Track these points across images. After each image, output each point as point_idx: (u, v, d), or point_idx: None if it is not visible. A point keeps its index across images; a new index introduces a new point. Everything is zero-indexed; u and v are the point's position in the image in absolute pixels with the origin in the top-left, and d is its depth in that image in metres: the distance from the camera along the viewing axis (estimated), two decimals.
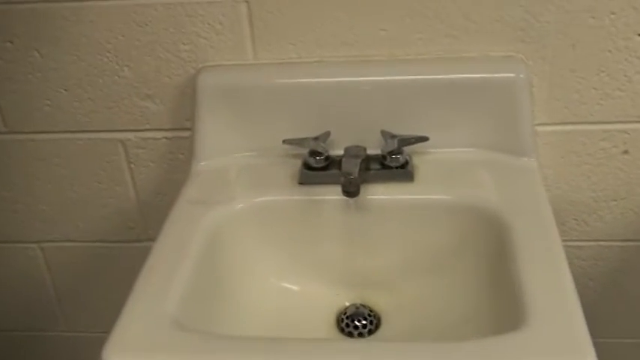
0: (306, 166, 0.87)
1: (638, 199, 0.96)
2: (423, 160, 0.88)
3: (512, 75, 0.86)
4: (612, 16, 0.83)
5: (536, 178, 0.86)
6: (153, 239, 0.80)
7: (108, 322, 0.69)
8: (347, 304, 0.87)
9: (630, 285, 1.04)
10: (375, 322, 0.85)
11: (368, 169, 0.86)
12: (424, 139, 0.85)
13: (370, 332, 0.84)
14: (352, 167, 0.79)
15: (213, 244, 0.80)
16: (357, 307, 0.86)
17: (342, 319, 0.85)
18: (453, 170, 0.87)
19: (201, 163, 0.91)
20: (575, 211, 0.98)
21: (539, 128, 0.90)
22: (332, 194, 0.84)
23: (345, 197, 0.81)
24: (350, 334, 0.84)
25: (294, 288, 0.87)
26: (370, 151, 0.86)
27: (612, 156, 0.93)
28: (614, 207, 0.97)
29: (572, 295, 0.68)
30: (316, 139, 0.86)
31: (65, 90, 0.95)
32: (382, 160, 0.86)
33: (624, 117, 0.90)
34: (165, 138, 0.96)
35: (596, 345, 0.62)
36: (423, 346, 0.66)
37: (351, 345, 0.67)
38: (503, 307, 0.73)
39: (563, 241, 0.78)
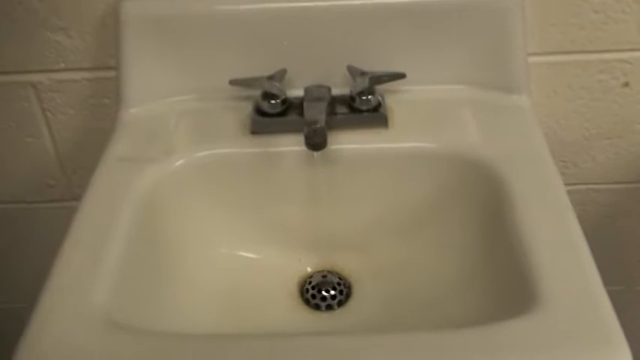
0: (259, 112, 0.74)
1: (635, 137, 0.86)
2: (398, 100, 0.76)
3: None
4: None
5: (530, 117, 0.75)
6: (79, 198, 0.68)
7: (34, 292, 0.59)
8: (309, 270, 0.76)
9: (619, 231, 0.96)
10: (345, 291, 0.74)
11: (334, 113, 0.73)
12: (400, 75, 0.73)
13: (340, 303, 0.73)
14: (317, 114, 0.66)
15: (149, 211, 0.67)
16: (325, 275, 0.75)
17: (307, 289, 0.74)
18: (433, 112, 0.75)
19: (131, 110, 0.77)
20: (565, 152, 0.88)
21: (530, 59, 0.78)
22: (291, 144, 0.72)
23: (308, 149, 0.67)
24: (317, 307, 0.73)
25: (250, 256, 0.75)
26: (335, 92, 0.73)
27: (610, 89, 0.82)
28: (607, 146, 0.87)
29: (587, 258, 0.59)
30: (270, 78, 0.73)
31: None
32: (350, 103, 0.74)
33: (627, 44, 0.78)
34: (86, 79, 0.82)
35: None
36: (413, 338, 0.53)
37: (324, 342, 0.54)
38: (501, 273, 0.63)
39: None
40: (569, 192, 0.89)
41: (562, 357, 0.51)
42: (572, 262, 0.58)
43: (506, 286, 0.61)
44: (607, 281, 0.97)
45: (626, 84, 0.81)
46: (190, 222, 0.72)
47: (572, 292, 0.55)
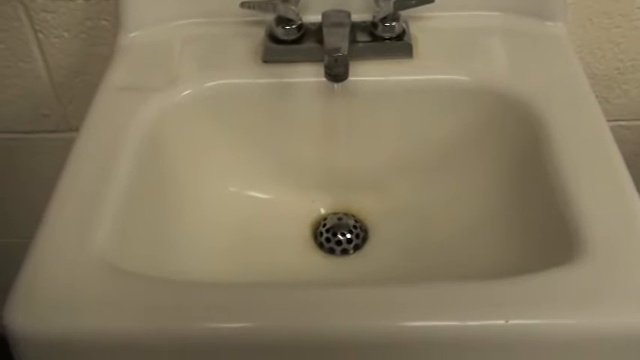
0: (273, 39, 0.69)
1: None
2: (423, 28, 0.71)
3: None
4: None
5: (567, 46, 0.70)
6: (76, 129, 0.64)
7: (27, 228, 0.57)
8: (323, 211, 0.72)
9: None
10: (361, 235, 0.70)
11: (354, 41, 0.68)
12: (428, 0, 0.67)
13: (356, 248, 0.70)
14: (339, 41, 0.61)
15: (152, 145, 0.63)
16: (340, 218, 0.71)
17: (322, 232, 0.70)
18: (461, 41, 0.70)
19: (132, 34, 0.72)
20: (597, 85, 0.83)
21: None
22: (308, 75, 0.67)
23: (327, 80, 0.62)
24: (331, 251, 0.69)
25: (260, 196, 0.71)
26: (355, 17, 0.68)
27: None
28: None
29: (635, 200, 0.55)
30: (285, 1, 0.68)
31: None
32: (372, 30, 0.69)
33: None
34: None
35: None
36: (442, 289, 0.49)
37: (343, 293, 0.50)
38: (536, 218, 0.59)
39: None
40: None
41: (612, 310, 0.47)
42: (619, 205, 0.54)
43: (542, 231, 0.57)
44: None
45: None
46: (196, 158, 0.68)
47: (620, 238, 0.51)
